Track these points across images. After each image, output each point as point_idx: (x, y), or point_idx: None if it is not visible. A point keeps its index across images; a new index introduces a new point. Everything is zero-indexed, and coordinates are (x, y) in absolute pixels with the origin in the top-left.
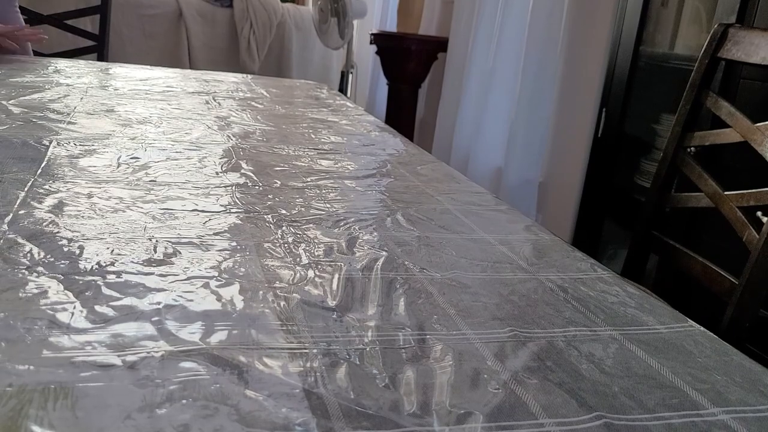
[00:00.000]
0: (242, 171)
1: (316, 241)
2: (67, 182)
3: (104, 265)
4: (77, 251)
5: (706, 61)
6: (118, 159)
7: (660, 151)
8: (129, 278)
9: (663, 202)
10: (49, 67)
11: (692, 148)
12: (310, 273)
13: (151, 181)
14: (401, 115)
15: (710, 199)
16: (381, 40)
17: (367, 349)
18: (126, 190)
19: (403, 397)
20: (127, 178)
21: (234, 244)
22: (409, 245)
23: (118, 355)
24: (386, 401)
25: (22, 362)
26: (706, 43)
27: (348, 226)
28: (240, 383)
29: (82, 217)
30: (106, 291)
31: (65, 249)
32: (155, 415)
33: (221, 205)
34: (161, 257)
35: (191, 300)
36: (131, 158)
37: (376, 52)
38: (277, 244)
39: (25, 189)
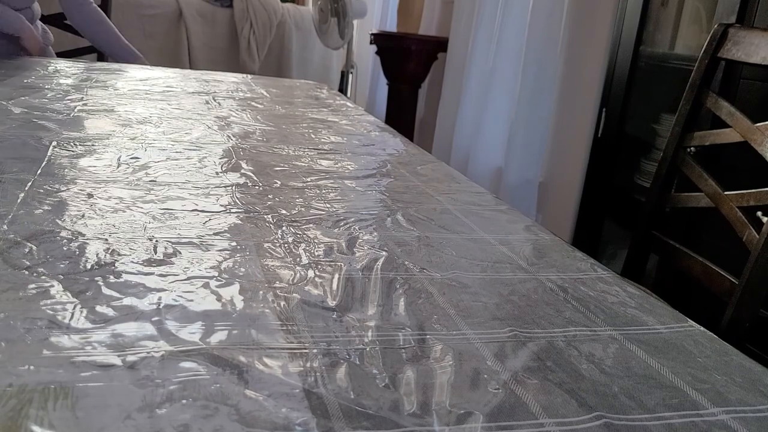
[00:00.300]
0: (242, 171)
1: (316, 241)
2: (67, 182)
3: (104, 265)
4: (77, 251)
5: (706, 61)
6: (118, 159)
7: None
8: (129, 278)
9: (663, 202)
10: (49, 67)
11: (692, 148)
12: (310, 273)
13: (151, 181)
14: (401, 115)
15: (710, 199)
16: (381, 40)
17: (367, 349)
18: (126, 190)
19: (403, 397)
20: (127, 178)
21: (234, 244)
22: (409, 245)
23: (118, 355)
24: (386, 401)
25: (22, 362)
26: (706, 43)
27: (348, 226)
28: (240, 383)
29: (82, 217)
30: (106, 291)
31: (65, 249)
32: (155, 415)
33: (221, 205)
34: (161, 257)
35: (191, 300)
36: (131, 158)
37: (376, 52)
38: (277, 244)
39: (25, 189)
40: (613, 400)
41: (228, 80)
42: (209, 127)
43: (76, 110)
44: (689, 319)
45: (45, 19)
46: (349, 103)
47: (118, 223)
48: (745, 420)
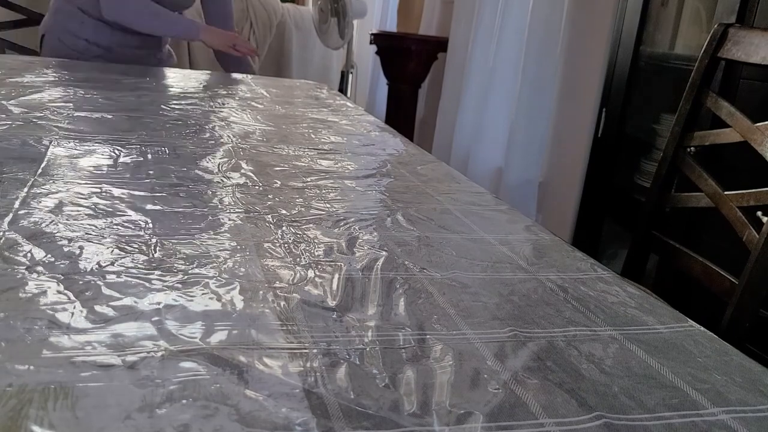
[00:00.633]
0: (242, 171)
1: (316, 241)
2: (67, 182)
3: (104, 265)
4: (77, 251)
5: (706, 61)
6: (118, 159)
7: (660, 151)
8: (129, 278)
9: (663, 202)
10: (49, 67)
11: (692, 148)
12: (310, 273)
13: (150, 181)
14: (401, 115)
15: (710, 199)
16: (381, 40)
17: (367, 349)
18: (126, 190)
19: (403, 397)
20: (127, 178)
21: (234, 244)
22: (409, 245)
23: (118, 355)
24: (386, 401)
25: (22, 362)
26: (706, 43)
27: (348, 226)
28: (240, 383)
29: (82, 217)
30: (106, 291)
31: (65, 249)
32: (155, 415)
33: (221, 205)
34: (161, 257)
35: (191, 300)
36: (131, 158)
37: (376, 52)
38: (277, 244)
39: (25, 189)
40: (613, 400)
41: (228, 80)
42: (209, 127)
43: (76, 110)
44: (689, 319)
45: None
46: (349, 103)
47: (118, 223)
48: (745, 420)
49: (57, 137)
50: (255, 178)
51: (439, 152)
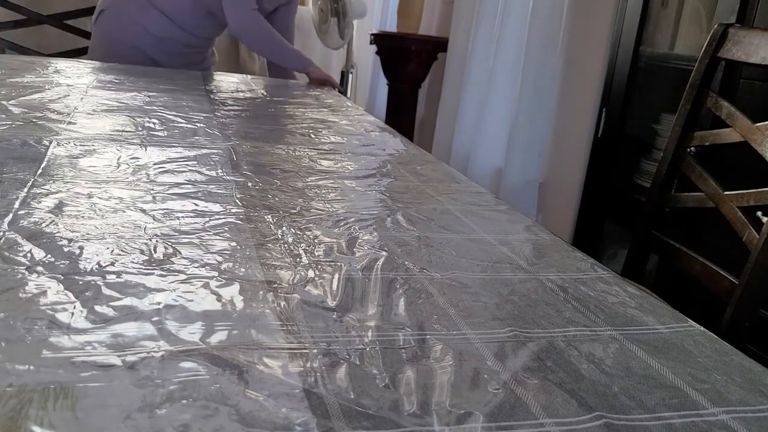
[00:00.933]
0: (242, 171)
1: (316, 241)
2: (67, 182)
3: (104, 265)
4: (77, 251)
5: (706, 61)
6: (118, 159)
7: (660, 151)
8: (129, 278)
9: (663, 202)
10: (49, 67)
11: (692, 148)
12: (310, 273)
13: (150, 181)
14: (401, 115)
15: (710, 199)
16: (381, 40)
17: (367, 349)
18: (126, 190)
19: (403, 397)
20: (127, 178)
21: (234, 244)
22: (409, 245)
23: (118, 355)
24: (386, 401)
25: (22, 362)
26: (706, 43)
27: (348, 226)
28: (240, 383)
29: (82, 217)
30: (106, 291)
31: (65, 249)
32: (155, 415)
33: (221, 205)
34: (161, 257)
35: (191, 300)
36: (131, 158)
37: (376, 52)
38: (277, 244)
39: (25, 189)
40: (613, 400)
41: (228, 80)
42: (209, 127)
43: (76, 110)
44: (689, 319)
45: (45, 19)
46: (349, 103)
47: (118, 223)
48: (745, 420)
49: (58, 137)
50: (255, 178)
51: (439, 152)
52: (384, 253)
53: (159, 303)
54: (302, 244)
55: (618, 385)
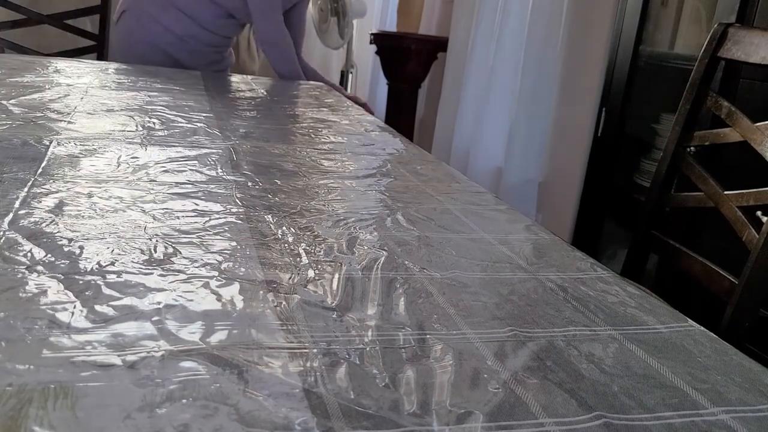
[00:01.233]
0: (242, 171)
1: (316, 240)
2: (67, 182)
3: (104, 265)
4: (77, 251)
5: (706, 61)
6: (118, 159)
7: (660, 151)
8: (129, 278)
9: (663, 202)
10: (49, 67)
11: (692, 148)
12: (310, 273)
13: (151, 181)
14: (401, 115)
15: (710, 199)
16: (381, 39)
17: (367, 348)
18: (126, 190)
19: (403, 397)
20: (127, 178)
21: (234, 244)
22: (409, 245)
23: (118, 355)
24: (386, 401)
25: (22, 362)
26: (706, 43)
27: (348, 225)
28: (240, 383)
29: (82, 217)
30: (106, 291)
31: (65, 249)
32: (155, 415)
33: (221, 205)
34: (161, 257)
35: (191, 300)
36: (131, 158)
37: (376, 52)
38: (277, 244)
39: (25, 189)
40: (613, 400)
41: (228, 80)
42: (209, 127)
43: (76, 110)
44: (689, 319)
45: (45, 19)
46: (349, 103)
47: (118, 223)
48: (745, 420)
49: (58, 137)
50: (255, 178)
51: (439, 152)
52: (384, 252)
53: (159, 303)
54: (302, 244)
55: (618, 384)
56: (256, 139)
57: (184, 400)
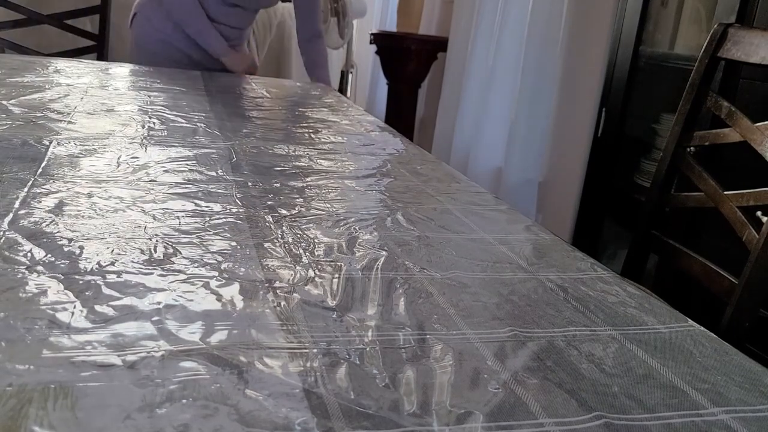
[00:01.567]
0: (242, 171)
1: (316, 241)
2: (67, 182)
3: (104, 265)
4: (77, 251)
5: (706, 61)
6: (118, 159)
7: (660, 151)
8: (129, 278)
9: (663, 202)
10: (49, 67)
11: (692, 148)
12: (310, 273)
13: (151, 181)
14: (401, 115)
15: (710, 199)
16: (381, 39)
17: (367, 349)
18: (126, 190)
19: (403, 397)
20: (127, 178)
21: (234, 244)
22: (409, 245)
23: (118, 355)
24: (386, 401)
25: (22, 362)
26: (705, 43)
27: (348, 226)
28: (240, 383)
29: (82, 217)
30: (106, 291)
31: (65, 249)
32: (155, 415)
33: (221, 205)
34: (161, 257)
35: (191, 300)
36: (131, 158)
37: (376, 52)
38: (277, 244)
39: (25, 189)
40: (613, 400)
41: (228, 80)
42: (209, 127)
43: (76, 110)
44: (689, 319)
45: (45, 19)
46: (349, 103)
47: (118, 223)
48: (745, 420)
49: (58, 137)
50: (255, 178)
51: (439, 152)
52: (384, 252)
53: (159, 303)
54: (302, 244)
55: (618, 384)
56: (256, 139)
57: (184, 400)
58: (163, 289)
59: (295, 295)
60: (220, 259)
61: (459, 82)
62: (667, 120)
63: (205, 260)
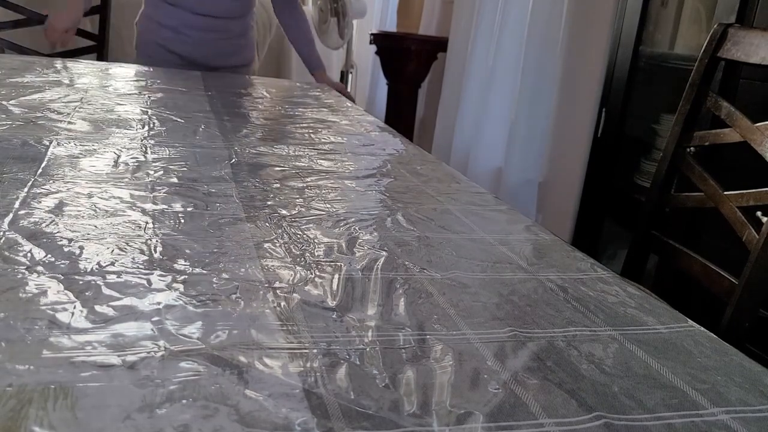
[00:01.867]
0: (242, 171)
1: (316, 241)
2: (67, 182)
3: (104, 265)
4: (77, 251)
5: (706, 61)
6: (118, 159)
7: (660, 151)
8: (129, 278)
9: (663, 202)
10: (49, 67)
11: (692, 148)
12: (310, 273)
13: (151, 181)
14: (401, 115)
15: (710, 199)
16: (381, 40)
17: (367, 349)
18: (126, 190)
19: (403, 397)
20: (127, 178)
21: (234, 244)
22: (409, 245)
23: (118, 355)
24: (386, 401)
25: (22, 362)
26: (705, 43)
27: (348, 226)
28: (240, 383)
29: (82, 217)
30: (106, 291)
31: (65, 249)
32: (155, 415)
33: (221, 205)
34: (161, 257)
35: (191, 300)
36: (131, 158)
37: (376, 52)
38: (277, 244)
39: (25, 189)
40: (613, 400)
41: (228, 80)
42: (209, 127)
43: (76, 110)
44: (689, 319)
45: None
46: (349, 103)
47: (118, 223)
48: (745, 420)
49: (58, 137)
50: (255, 178)
51: (439, 152)
52: (384, 253)
53: (159, 303)
54: (302, 244)
55: (618, 385)
56: (256, 139)
57: (184, 401)
58: (163, 290)
59: (295, 295)
60: (220, 259)
61: (459, 82)
62: (667, 120)
63: (205, 260)
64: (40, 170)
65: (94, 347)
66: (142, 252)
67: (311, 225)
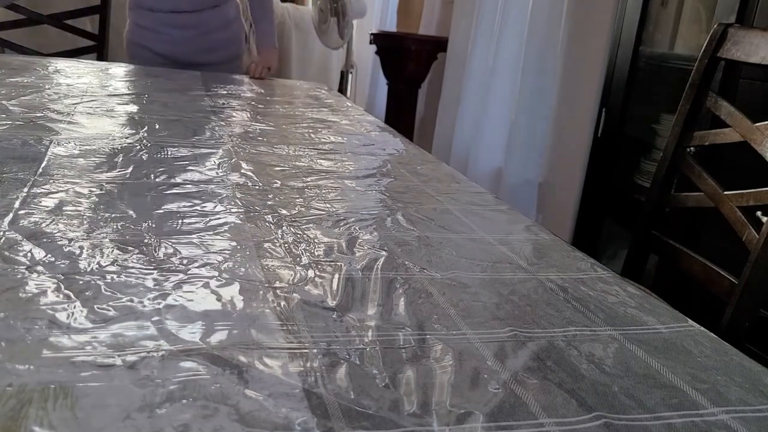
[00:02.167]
0: (242, 171)
1: (316, 241)
2: (67, 182)
3: (104, 265)
4: (77, 251)
5: (706, 61)
6: (118, 159)
7: (660, 151)
8: (129, 278)
9: (663, 202)
10: (49, 67)
11: (692, 148)
12: (310, 273)
13: (151, 180)
14: (401, 115)
15: (710, 199)
16: (381, 40)
17: (367, 349)
18: (126, 190)
19: (403, 397)
20: (127, 178)
21: (234, 244)
22: (409, 245)
23: (118, 355)
24: (386, 401)
25: (22, 362)
26: (705, 43)
27: (348, 226)
28: (240, 383)
29: (82, 217)
30: (106, 291)
31: (65, 249)
32: (155, 415)
33: (221, 205)
34: (161, 257)
35: (191, 300)
36: (131, 158)
37: (376, 52)
38: (277, 244)
39: (26, 189)
40: (613, 400)
41: (228, 80)
42: (209, 127)
43: (76, 110)
44: (689, 319)
45: (45, 19)
46: (349, 103)
47: (117, 223)
48: (745, 420)
49: (58, 137)
50: (255, 178)
51: (439, 152)
52: (384, 253)
53: (159, 303)
54: (302, 244)
55: (618, 384)
56: (256, 139)
57: (184, 401)
58: (163, 289)
59: (295, 295)
60: (220, 259)
61: (459, 82)
62: (667, 120)
63: (205, 260)
64: (40, 170)
65: (94, 347)
66: (142, 252)
67: (311, 225)
